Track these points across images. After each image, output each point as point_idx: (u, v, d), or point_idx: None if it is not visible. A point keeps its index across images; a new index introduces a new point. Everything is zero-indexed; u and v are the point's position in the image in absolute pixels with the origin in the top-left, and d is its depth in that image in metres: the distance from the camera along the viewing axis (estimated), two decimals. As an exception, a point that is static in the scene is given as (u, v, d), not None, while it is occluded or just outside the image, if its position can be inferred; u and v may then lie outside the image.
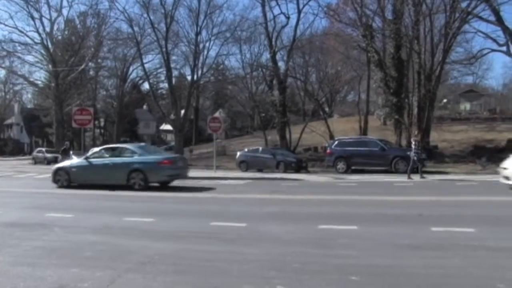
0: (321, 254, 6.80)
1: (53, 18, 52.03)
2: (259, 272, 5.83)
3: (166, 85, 50.96)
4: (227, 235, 8.26)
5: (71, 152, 29.07)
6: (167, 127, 67.97)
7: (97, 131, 77.51)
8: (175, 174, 18.19)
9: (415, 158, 20.67)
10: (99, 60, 60.66)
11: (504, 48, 37.49)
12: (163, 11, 41.11)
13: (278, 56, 42.51)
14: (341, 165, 25.99)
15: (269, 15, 40.69)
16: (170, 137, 73.54)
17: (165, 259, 6.55)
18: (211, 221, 9.60)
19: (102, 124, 78.60)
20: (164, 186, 17.89)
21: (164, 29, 41.63)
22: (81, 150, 29.47)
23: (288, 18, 41.72)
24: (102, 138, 75.89)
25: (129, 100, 71.13)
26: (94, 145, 58.44)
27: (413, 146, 21.05)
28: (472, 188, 16.33)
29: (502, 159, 15.98)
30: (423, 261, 6.22)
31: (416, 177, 19.99)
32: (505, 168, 14.50)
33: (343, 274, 5.64)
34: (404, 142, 32.02)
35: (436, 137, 35.26)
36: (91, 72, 62.38)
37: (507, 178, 14.16)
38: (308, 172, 27.72)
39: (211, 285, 5.37)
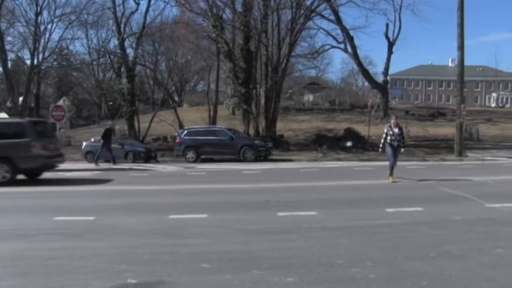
0: (172, 243, 6.79)
1: None
2: (108, 267, 5.62)
3: (0, 69, 46.63)
4: (73, 230, 7.86)
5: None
6: (3, 115, 62.56)
7: None
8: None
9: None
10: None
11: (342, 45, 41.03)
12: (-7, -16, 37.37)
13: (127, 43, 41.21)
14: (190, 155, 26.07)
15: (118, 0, 39.35)
16: (7, 126, 67.76)
17: (2, 261, 5.98)
18: (54, 216, 9.06)
19: None
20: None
21: (-4, 5, 38.03)
22: None
23: (138, 4, 40.66)
24: None
25: (-46, 84, 64.07)
26: None
27: (384, 134, 14.90)
28: (314, 174, 17.39)
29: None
30: (270, 245, 6.51)
31: None
32: None
33: (194, 262, 5.69)
34: (252, 131, 33.09)
35: (282, 126, 36.92)
36: None
37: None
38: (157, 162, 27.40)
39: (57, 285, 5.04)
